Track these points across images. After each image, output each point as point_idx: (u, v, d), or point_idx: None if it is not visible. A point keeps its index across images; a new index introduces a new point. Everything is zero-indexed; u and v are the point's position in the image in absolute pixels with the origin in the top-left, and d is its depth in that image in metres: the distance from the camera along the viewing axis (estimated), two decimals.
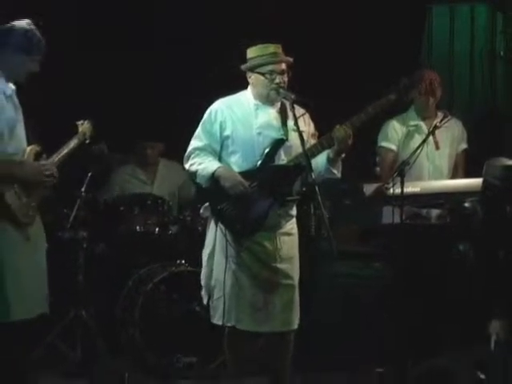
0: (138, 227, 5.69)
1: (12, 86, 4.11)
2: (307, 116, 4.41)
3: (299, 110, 4.31)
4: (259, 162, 4.33)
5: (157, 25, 6.47)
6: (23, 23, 4.07)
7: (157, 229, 5.70)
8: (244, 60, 4.41)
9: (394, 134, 5.25)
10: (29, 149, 4.13)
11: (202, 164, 4.34)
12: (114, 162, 5.83)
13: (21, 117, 4.13)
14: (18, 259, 4.00)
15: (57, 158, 4.28)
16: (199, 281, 4.48)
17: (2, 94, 4.01)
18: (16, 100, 4.12)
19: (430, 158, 5.17)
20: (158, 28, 6.47)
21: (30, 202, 4.06)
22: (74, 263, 5.38)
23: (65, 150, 4.35)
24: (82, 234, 5.41)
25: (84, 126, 4.61)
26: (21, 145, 4.11)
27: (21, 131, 4.12)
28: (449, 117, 4.95)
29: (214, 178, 4.30)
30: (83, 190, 5.35)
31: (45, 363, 5.00)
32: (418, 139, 5.06)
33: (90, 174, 5.34)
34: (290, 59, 4.38)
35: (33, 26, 4.08)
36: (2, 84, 4.04)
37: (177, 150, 5.02)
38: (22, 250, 4.02)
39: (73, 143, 4.44)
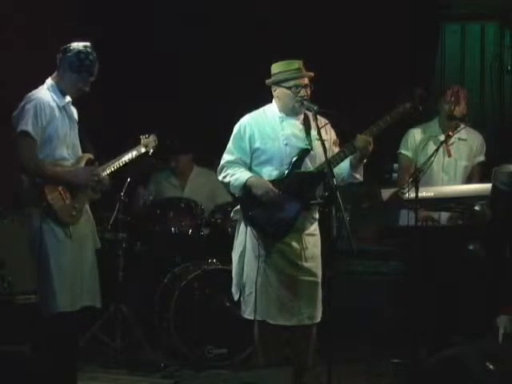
0: (172, 229, 5.89)
1: (68, 98, 4.39)
2: (328, 125, 4.58)
3: (321, 120, 4.48)
4: (287, 171, 4.49)
5: (186, 41, 6.74)
6: (80, 45, 4.34)
7: (190, 230, 5.90)
8: (268, 75, 4.60)
9: (412, 142, 5.29)
10: (83, 156, 4.43)
11: (234, 175, 4.51)
12: (149, 167, 5.96)
13: (74, 126, 4.42)
14: (62, 256, 4.26)
15: (108, 166, 4.53)
16: (229, 278, 4.65)
17: (55, 104, 4.33)
18: (70, 111, 4.42)
19: (445, 169, 5.22)
20: (188, 44, 6.74)
21: (74, 203, 4.31)
22: (114, 262, 5.60)
23: (119, 160, 4.60)
24: (121, 235, 5.64)
25: (147, 140, 4.84)
26: (74, 152, 4.39)
27: (74, 139, 4.40)
28: (460, 127, 5.10)
29: (246, 186, 4.47)
30: (122, 194, 5.59)
31: (88, 352, 5.27)
32: (433, 148, 5.04)
33: (128, 180, 5.57)
34: (312, 74, 4.56)
35: (89, 49, 4.34)
36: (57, 96, 4.35)
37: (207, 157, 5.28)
38: (65, 247, 4.27)
39: (130, 154, 4.68)
